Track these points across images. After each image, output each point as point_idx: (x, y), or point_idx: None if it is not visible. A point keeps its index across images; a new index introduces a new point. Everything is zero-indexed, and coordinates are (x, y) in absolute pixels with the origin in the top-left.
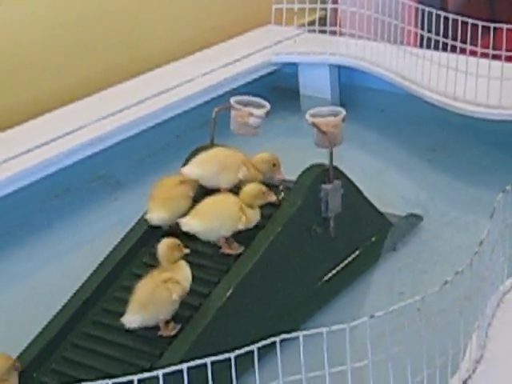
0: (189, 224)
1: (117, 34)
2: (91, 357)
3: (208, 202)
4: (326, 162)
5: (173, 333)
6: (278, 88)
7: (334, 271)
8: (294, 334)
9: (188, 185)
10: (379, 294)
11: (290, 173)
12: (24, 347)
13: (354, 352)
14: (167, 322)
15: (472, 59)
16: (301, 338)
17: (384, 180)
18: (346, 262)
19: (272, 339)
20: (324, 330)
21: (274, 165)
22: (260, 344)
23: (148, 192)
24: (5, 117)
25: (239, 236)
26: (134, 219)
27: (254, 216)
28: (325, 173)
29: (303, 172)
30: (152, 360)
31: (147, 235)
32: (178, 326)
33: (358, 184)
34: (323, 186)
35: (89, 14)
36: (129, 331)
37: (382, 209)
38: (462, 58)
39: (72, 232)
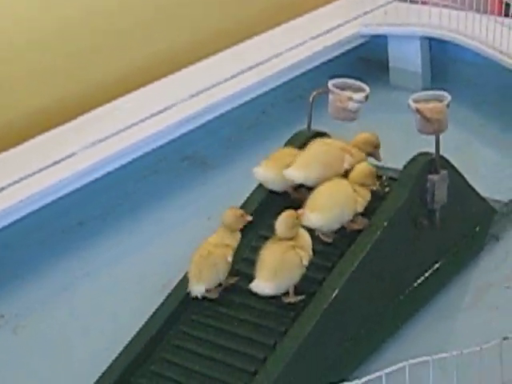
0: (309, 219)
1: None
2: (214, 333)
3: (322, 192)
4: (424, 145)
5: (299, 298)
6: (366, 60)
7: (438, 263)
8: (422, 359)
9: None
10: (484, 287)
11: (387, 156)
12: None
13: None
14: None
15: None
16: (431, 363)
17: (480, 160)
18: (450, 253)
19: (402, 364)
20: (455, 354)
21: (375, 146)
22: (389, 370)
23: (235, 173)
24: (86, 96)
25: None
26: (222, 201)
27: (368, 195)
28: (431, 162)
29: (409, 162)
30: (276, 336)
31: (262, 207)
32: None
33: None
34: (430, 176)
35: None
36: (252, 306)
37: (481, 193)
38: None
39: (161, 215)
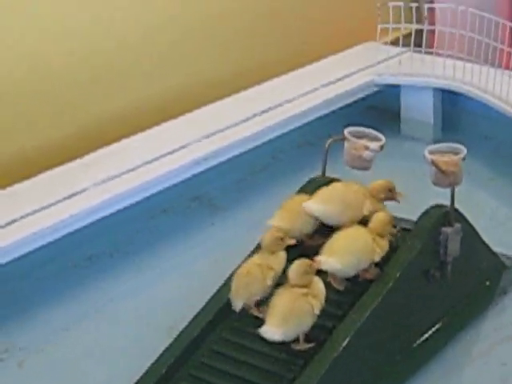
0: (327, 263)
1: (215, 46)
2: (220, 377)
3: (341, 237)
4: (437, 197)
5: (309, 346)
6: (378, 109)
7: (447, 316)
8: None
9: None
10: (494, 342)
11: (401, 207)
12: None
13: None
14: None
15: None
16: None
17: (490, 215)
18: (460, 306)
19: None
20: None
21: (390, 190)
22: None
23: (245, 216)
24: (96, 133)
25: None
26: (230, 244)
27: (386, 246)
28: (446, 215)
29: (423, 213)
30: (284, 383)
31: None
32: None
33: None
34: (443, 229)
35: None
36: (260, 351)
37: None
38: None
39: (170, 255)
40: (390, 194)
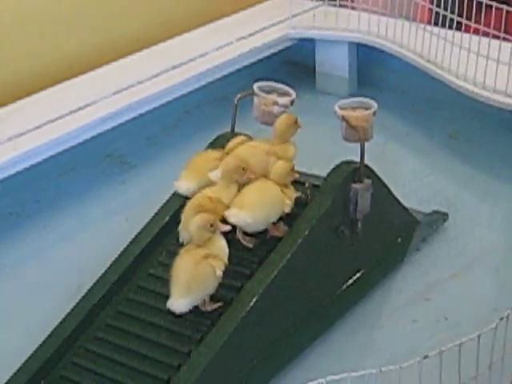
0: (237, 216)
1: (122, 4)
2: (127, 338)
3: (250, 190)
4: (349, 152)
5: (215, 306)
6: (293, 63)
7: (359, 273)
8: (342, 376)
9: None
10: (404, 299)
11: (311, 163)
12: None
13: None
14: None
15: (506, 45)
16: (349, 382)
17: (404, 169)
18: (371, 263)
19: (318, 381)
20: (373, 371)
21: (296, 123)
22: None
23: (156, 174)
24: (9, 89)
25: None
26: (141, 201)
27: (293, 194)
28: (355, 171)
29: (333, 170)
30: (192, 344)
31: (181, 210)
32: (219, 304)
33: (377, 172)
34: (353, 185)
35: None
36: (167, 312)
37: (404, 202)
38: (495, 42)
39: (78, 213)
40: (295, 126)
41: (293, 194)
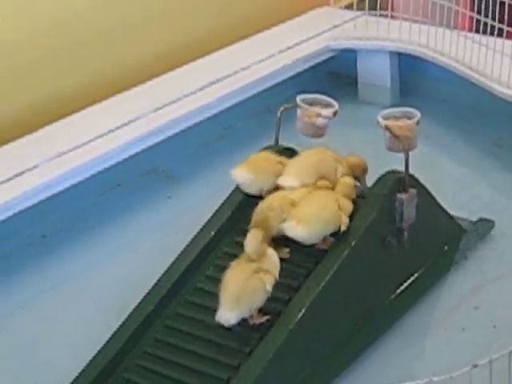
0: (294, 230)
1: (165, 18)
2: (175, 353)
3: (309, 203)
4: (394, 162)
5: (264, 319)
6: (335, 74)
7: (406, 283)
8: None
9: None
10: (453, 308)
11: None
12: (96, 351)
13: None
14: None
15: None
16: None
17: (449, 178)
18: (419, 272)
19: None
20: (423, 381)
21: (363, 170)
22: None
23: (202, 187)
24: (53, 107)
25: None
26: (187, 215)
27: (351, 208)
28: (400, 181)
29: (378, 180)
30: (240, 357)
31: (228, 223)
32: (267, 317)
33: (422, 181)
34: (398, 195)
35: None
36: (216, 326)
37: (450, 211)
38: None
39: (126, 228)
40: (360, 173)
41: (350, 208)
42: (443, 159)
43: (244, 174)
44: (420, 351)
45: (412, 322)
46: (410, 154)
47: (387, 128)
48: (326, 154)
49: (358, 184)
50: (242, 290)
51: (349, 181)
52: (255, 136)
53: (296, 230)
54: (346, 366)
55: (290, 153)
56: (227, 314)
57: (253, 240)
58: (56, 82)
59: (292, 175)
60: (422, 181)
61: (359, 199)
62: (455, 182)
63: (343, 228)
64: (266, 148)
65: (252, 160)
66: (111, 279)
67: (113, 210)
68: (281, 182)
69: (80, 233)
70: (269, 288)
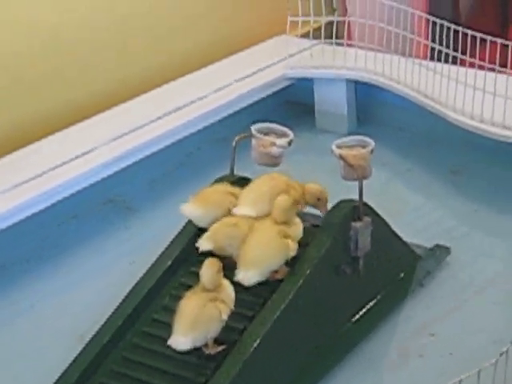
0: (247, 278)
1: (121, 48)
2: (132, 383)
3: (252, 247)
4: (349, 191)
5: (219, 349)
6: (292, 103)
7: (362, 311)
8: None
9: (235, 198)
10: (409, 336)
11: None
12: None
13: None
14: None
15: (502, 77)
16: None
17: (405, 205)
18: (375, 300)
19: None
20: None
21: (319, 199)
22: None
23: (160, 217)
24: (8, 138)
25: None
26: (145, 246)
27: (299, 230)
28: (354, 209)
29: (332, 209)
30: None
31: (184, 253)
32: (223, 347)
33: (378, 210)
34: (353, 223)
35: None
36: (171, 357)
37: (406, 238)
38: (490, 75)
39: (84, 259)
40: (318, 202)
41: (298, 230)
42: (400, 187)
43: (193, 210)
44: (377, 379)
45: (369, 350)
46: (367, 182)
47: (341, 157)
48: (279, 180)
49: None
50: (198, 316)
51: (283, 203)
52: (212, 165)
53: (248, 277)
54: None
55: (245, 182)
56: (181, 339)
57: (208, 270)
58: (12, 113)
59: (247, 205)
60: (378, 209)
61: (314, 228)
62: (412, 209)
63: (292, 254)
64: (221, 178)
65: (202, 194)
66: (68, 310)
67: (70, 241)
68: (236, 211)
69: (37, 264)
70: (224, 317)
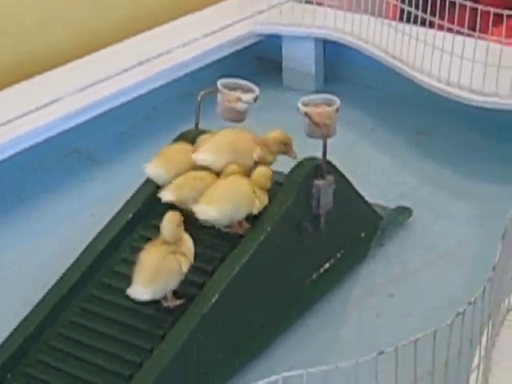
0: (206, 212)
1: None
2: (89, 335)
3: (221, 186)
4: (314, 149)
5: (178, 302)
6: (260, 59)
7: (322, 269)
8: (295, 373)
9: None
10: (367, 295)
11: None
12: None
13: None
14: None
15: (470, 40)
16: (305, 378)
17: (370, 165)
18: (335, 259)
19: (274, 377)
20: (329, 367)
21: (286, 144)
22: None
23: (125, 170)
24: None
25: None
26: (108, 198)
27: (265, 200)
28: (317, 168)
29: (295, 167)
30: (154, 340)
31: (146, 206)
32: (182, 301)
33: (341, 169)
34: (315, 181)
35: None
36: (130, 308)
37: (368, 198)
38: (459, 38)
39: (47, 209)
40: (284, 147)
41: (265, 199)
42: (365, 147)
43: (155, 170)
44: (334, 337)
45: (327, 308)
46: (332, 141)
47: (306, 114)
48: (243, 135)
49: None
50: (158, 268)
51: (264, 171)
52: (179, 119)
53: (206, 211)
54: (259, 351)
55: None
56: (140, 290)
57: (169, 223)
58: None
59: (207, 152)
60: (342, 168)
61: (276, 185)
62: (376, 169)
63: (254, 212)
64: (185, 132)
65: (164, 154)
66: (29, 260)
67: (32, 191)
68: (194, 157)
69: (0, 213)
70: (184, 270)
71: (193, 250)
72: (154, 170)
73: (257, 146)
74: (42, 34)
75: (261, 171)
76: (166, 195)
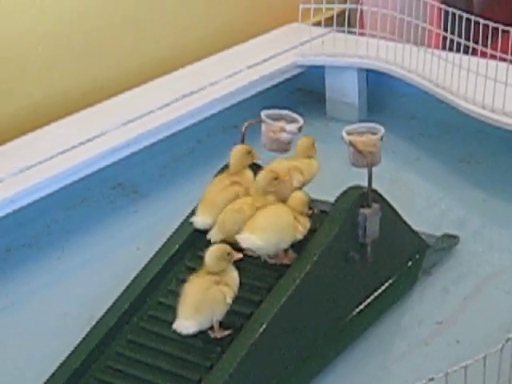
0: (249, 240)
1: (133, 34)
2: (137, 367)
3: (263, 214)
4: (358, 178)
5: (225, 333)
6: (303, 90)
7: (369, 299)
8: None
9: (239, 186)
10: (415, 324)
11: (320, 189)
12: (60, 362)
13: None
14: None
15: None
16: None
17: (415, 194)
18: (382, 288)
19: None
20: None
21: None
22: None
23: (168, 203)
24: (19, 121)
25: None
26: (153, 230)
27: (307, 224)
28: (363, 196)
29: (340, 195)
30: (202, 371)
31: (192, 238)
32: (229, 331)
33: (387, 198)
34: (361, 210)
35: (102, 14)
36: (177, 340)
37: (415, 226)
38: (503, 65)
39: (93, 243)
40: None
41: (307, 222)
42: (409, 175)
43: (203, 222)
44: (382, 366)
45: (375, 338)
46: (376, 170)
47: (351, 143)
48: (283, 165)
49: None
50: (202, 299)
51: (301, 195)
52: (222, 152)
53: (250, 239)
54: (306, 381)
55: (255, 168)
56: (185, 323)
57: (212, 252)
58: (24, 96)
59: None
60: (387, 196)
61: (322, 214)
62: (421, 197)
63: (299, 237)
64: (228, 165)
65: (207, 200)
66: (75, 294)
67: (78, 225)
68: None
69: (44, 248)
70: (229, 300)
71: (237, 280)
72: (201, 221)
73: (293, 171)
74: (90, 67)
75: (297, 196)
76: (214, 236)
